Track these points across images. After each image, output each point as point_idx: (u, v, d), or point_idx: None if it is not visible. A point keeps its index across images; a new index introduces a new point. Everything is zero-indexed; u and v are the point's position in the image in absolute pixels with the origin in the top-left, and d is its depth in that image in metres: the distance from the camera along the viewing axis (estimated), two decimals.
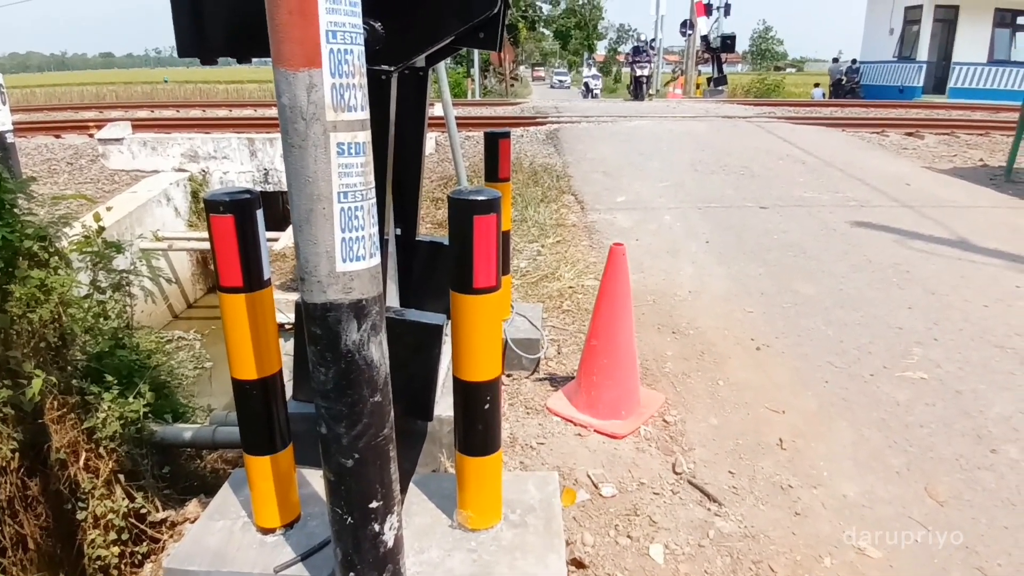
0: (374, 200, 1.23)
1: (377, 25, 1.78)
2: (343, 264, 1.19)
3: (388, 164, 2.07)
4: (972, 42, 21.31)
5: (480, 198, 1.46)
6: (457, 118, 4.64)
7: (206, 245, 8.90)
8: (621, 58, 32.74)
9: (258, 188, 10.02)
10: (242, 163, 9.86)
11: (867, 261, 4.69)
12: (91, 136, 10.46)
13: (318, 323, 1.23)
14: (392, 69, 1.86)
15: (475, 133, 10.07)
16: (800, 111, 13.73)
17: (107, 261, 3.80)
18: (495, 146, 2.96)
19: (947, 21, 21.73)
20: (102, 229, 3.89)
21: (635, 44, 20.82)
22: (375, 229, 1.24)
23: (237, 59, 2.04)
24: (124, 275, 4.02)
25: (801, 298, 4.06)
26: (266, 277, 1.60)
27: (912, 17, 22.38)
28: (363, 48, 1.15)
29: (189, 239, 8.62)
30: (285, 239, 7.26)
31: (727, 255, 4.85)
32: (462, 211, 1.47)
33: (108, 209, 7.10)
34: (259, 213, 1.56)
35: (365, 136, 1.18)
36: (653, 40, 26.95)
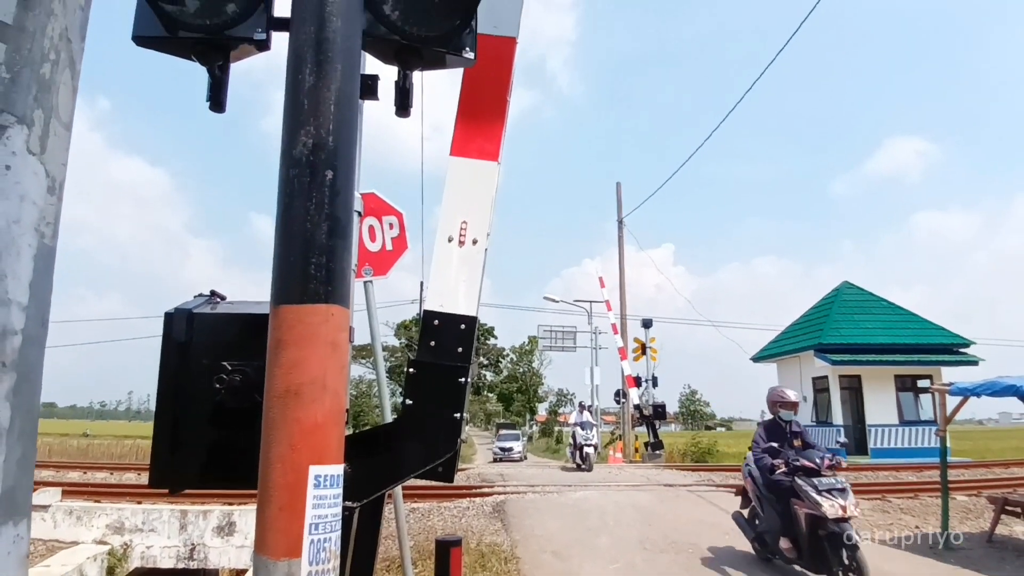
0: None
1: (344, 466, 1.95)
2: None
3: None
4: (881, 405, 23.42)
5: None
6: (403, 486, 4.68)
7: None
8: (568, 419, 24.92)
9: (181, 564, 9.28)
10: (169, 536, 9.28)
11: None
12: None
13: None
14: (356, 506, 1.97)
15: (420, 504, 9.93)
16: (736, 476, 14.20)
17: None
18: (446, 554, 2.95)
19: (853, 388, 24.17)
20: None
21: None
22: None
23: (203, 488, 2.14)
24: None
25: None
26: None
27: (820, 386, 24.87)
28: (339, 533, 1.27)
29: None
30: None
31: None
32: None
33: None
34: None
35: None
36: (592, 405, 28.73)
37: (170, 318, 2.13)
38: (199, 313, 2.13)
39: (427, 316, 2.10)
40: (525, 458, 31.42)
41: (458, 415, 2.01)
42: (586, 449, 17.38)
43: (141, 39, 1.93)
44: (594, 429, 18.12)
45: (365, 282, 4.48)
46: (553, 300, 31.44)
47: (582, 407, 20.14)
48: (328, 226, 1.27)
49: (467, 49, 1.87)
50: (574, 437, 18.14)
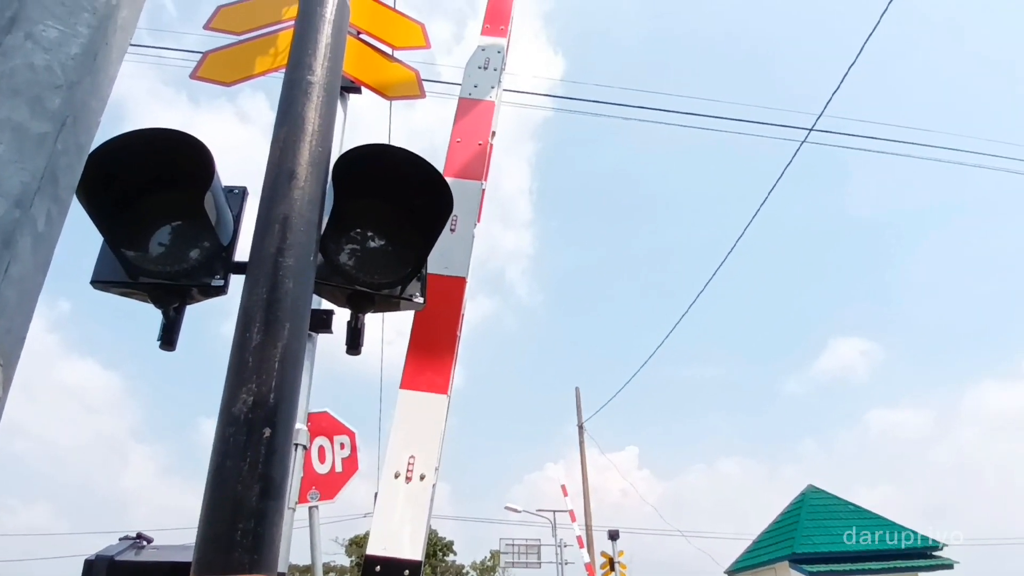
0: None
1: None
2: None
3: None
4: None
5: None
6: None
7: None
8: None
9: None
10: None
11: None
12: None
13: None
14: None
15: None
16: None
17: None
18: None
19: None
20: None
21: None
22: None
23: None
24: None
25: None
26: None
27: None
28: None
29: None
30: None
31: None
32: None
33: None
34: None
35: None
36: None
37: (89, 566, 1.98)
38: (120, 561, 1.99)
39: (368, 563, 1.98)
40: None
41: None
42: None
43: (99, 283, 1.99)
44: None
45: (311, 507, 4.23)
46: (515, 510, 29.84)
47: None
48: (260, 487, 1.23)
49: (417, 295, 1.97)
50: None
